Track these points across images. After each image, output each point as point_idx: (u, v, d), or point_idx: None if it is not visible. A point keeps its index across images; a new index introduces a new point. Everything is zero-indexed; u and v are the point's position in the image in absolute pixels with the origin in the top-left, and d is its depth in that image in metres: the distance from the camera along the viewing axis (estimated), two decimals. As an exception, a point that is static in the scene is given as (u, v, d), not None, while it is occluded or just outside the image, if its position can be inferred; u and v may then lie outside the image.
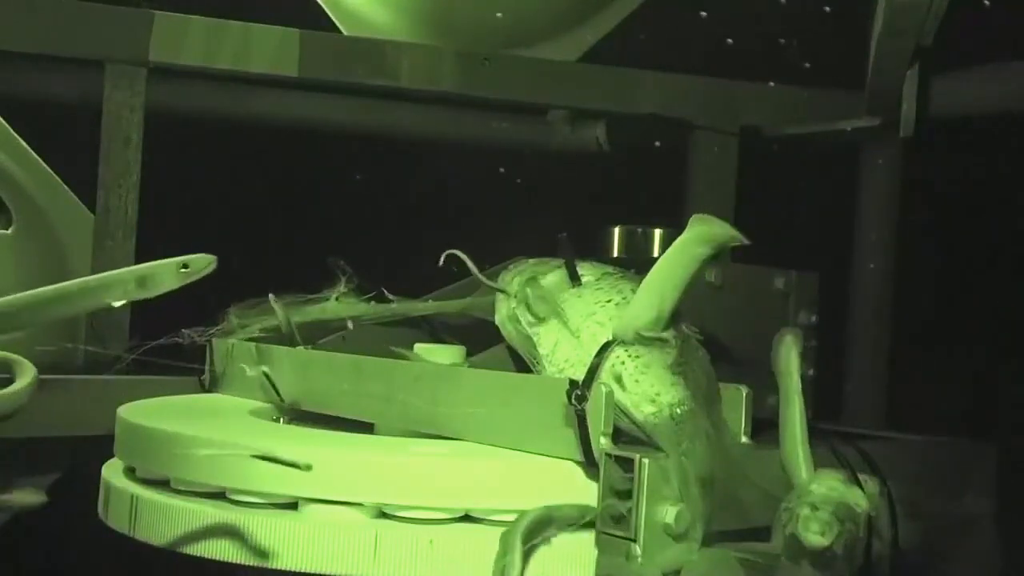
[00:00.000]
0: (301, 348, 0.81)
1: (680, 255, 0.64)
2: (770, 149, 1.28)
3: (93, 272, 1.06)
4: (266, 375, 0.78)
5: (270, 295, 0.76)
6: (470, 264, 0.74)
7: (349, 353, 0.77)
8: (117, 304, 0.71)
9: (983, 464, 0.77)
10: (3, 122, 1.04)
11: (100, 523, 0.71)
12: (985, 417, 1.18)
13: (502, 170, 1.37)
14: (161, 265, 0.71)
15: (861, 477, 0.64)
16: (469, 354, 0.78)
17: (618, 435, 0.60)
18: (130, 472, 0.71)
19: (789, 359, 0.64)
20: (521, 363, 0.73)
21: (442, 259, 0.73)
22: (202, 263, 0.72)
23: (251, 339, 0.83)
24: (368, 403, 0.73)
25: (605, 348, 0.62)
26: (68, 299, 0.72)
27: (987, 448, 0.77)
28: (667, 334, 0.63)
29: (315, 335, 0.82)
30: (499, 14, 1.24)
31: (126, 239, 1.07)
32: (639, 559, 0.56)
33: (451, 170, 1.39)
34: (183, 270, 0.71)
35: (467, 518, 0.61)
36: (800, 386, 0.64)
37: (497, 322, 0.74)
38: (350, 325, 0.81)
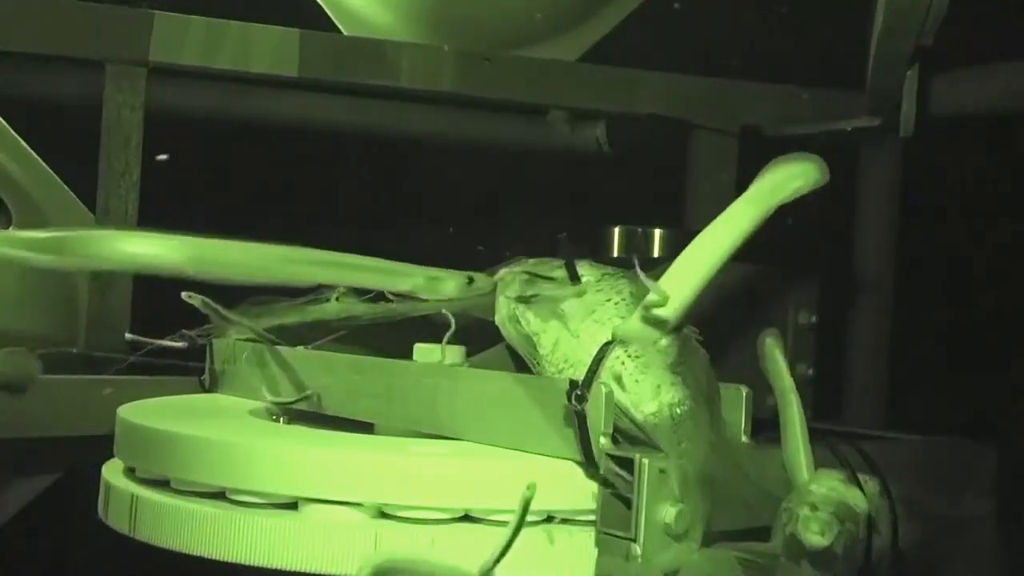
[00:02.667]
0: (301, 348, 0.81)
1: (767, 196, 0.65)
2: (770, 149, 1.28)
3: (93, 271, 1.06)
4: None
5: (183, 295, 0.74)
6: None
7: (349, 353, 0.77)
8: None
9: (983, 464, 0.77)
10: (3, 122, 1.04)
11: (100, 523, 0.71)
12: (985, 417, 1.18)
13: (503, 170, 1.37)
14: (451, 273, 0.72)
15: (861, 477, 0.64)
16: (469, 354, 0.78)
17: (618, 435, 0.60)
18: (130, 472, 0.71)
19: (776, 360, 0.65)
20: (521, 363, 0.73)
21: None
22: (485, 283, 0.73)
23: (251, 339, 0.83)
24: (368, 403, 0.73)
25: (605, 348, 0.62)
26: (362, 270, 0.71)
27: (987, 448, 0.77)
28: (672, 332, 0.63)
29: (315, 335, 0.82)
30: (499, 14, 1.24)
31: (126, 239, 1.07)
32: (639, 559, 0.56)
33: (451, 170, 1.39)
34: (467, 284, 0.72)
35: (467, 518, 0.61)
36: (794, 385, 0.64)
37: (497, 322, 0.74)
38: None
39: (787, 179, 0.67)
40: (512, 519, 0.54)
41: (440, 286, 0.72)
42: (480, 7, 1.24)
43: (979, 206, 1.26)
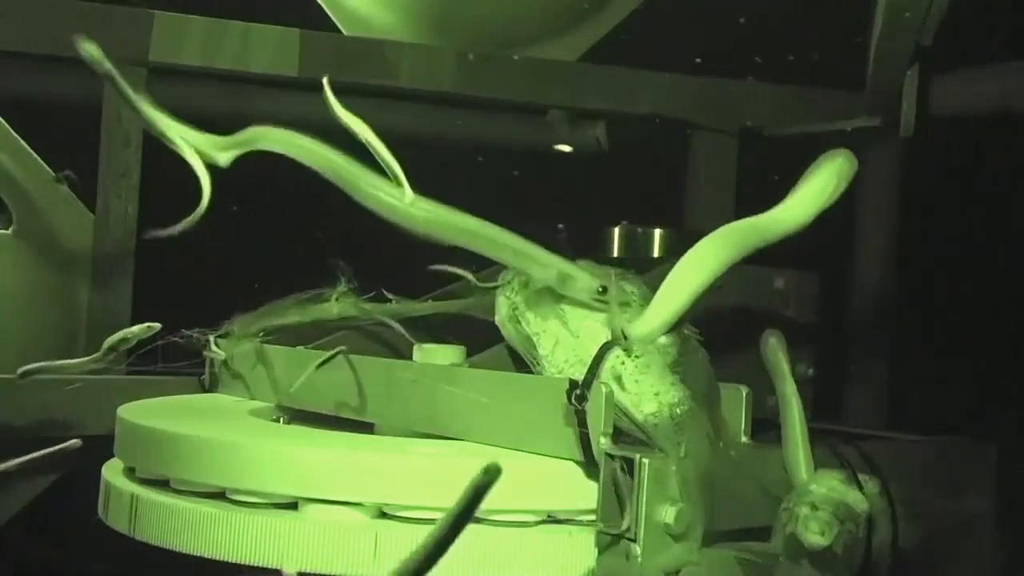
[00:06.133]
0: (301, 348, 0.81)
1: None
2: (770, 149, 1.28)
3: (93, 271, 1.06)
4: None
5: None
6: (467, 274, 0.74)
7: (349, 353, 0.77)
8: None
9: (983, 464, 0.77)
10: (3, 122, 1.04)
11: (100, 523, 0.71)
12: (985, 417, 1.18)
13: (503, 170, 1.37)
14: (584, 275, 0.68)
15: (861, 477, 0.64)
16: (469, 354, 0.78)
17: (618, 435, 0.60)
18: (130, 472, 0.71)
19: (779, 361, 0.65)
20: (521, 363, 0.73)
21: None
22: (622, 296, 0.68)
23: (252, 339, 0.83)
24: (368, 403, 0.73)
25: (605, 348, 0.62)
26: (504, 248, 0.68)
27: (987, 448, 0.77)
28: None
29: (315, 335, 0.82)
30: (499, 14, 1.24)
31: (126, 239, 1.07)
32: (639, 559, 0.56)
33: (451, 170, 1.39)
34: (597, 294, 0.68)
35: (467, 518, 0.61)
36: (795, 386, 0.64)
37: (497, 322, 0.74)
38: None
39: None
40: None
41: (571, 285, 0.68)
42: (480, 7, 1.24)
43: (979, 206, 1.26)
